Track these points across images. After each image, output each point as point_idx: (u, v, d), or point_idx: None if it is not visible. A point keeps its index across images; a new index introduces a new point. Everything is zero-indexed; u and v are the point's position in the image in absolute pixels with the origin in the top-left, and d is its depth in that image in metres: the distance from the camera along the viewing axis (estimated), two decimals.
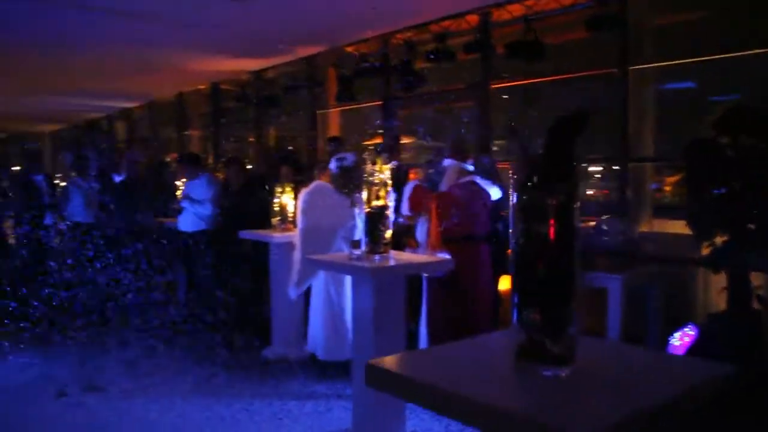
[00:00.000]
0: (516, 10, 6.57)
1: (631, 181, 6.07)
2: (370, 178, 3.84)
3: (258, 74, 10.78)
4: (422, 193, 5.04)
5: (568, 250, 1.44)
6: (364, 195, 3.87)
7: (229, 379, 5.38)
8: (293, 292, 5.39)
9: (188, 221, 6.90)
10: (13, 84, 12.25)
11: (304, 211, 5.24)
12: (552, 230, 1.43)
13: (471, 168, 5.07)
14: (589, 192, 7.33)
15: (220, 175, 7.84)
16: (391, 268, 3.66)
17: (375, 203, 3.83)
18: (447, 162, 5.05)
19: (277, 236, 5.83)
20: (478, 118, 7.44)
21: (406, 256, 3.99)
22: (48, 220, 7.33)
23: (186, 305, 6.97)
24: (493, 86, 7.36)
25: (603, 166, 7.09)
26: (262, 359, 5.85)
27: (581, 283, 1.48)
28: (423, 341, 4.96)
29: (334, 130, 10.43)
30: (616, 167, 6.26)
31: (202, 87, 12.93)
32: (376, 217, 3.82)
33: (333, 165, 5.29)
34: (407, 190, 5.19)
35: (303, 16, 7.20)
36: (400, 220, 5.10)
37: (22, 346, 6.22)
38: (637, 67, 5.99)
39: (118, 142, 16.55)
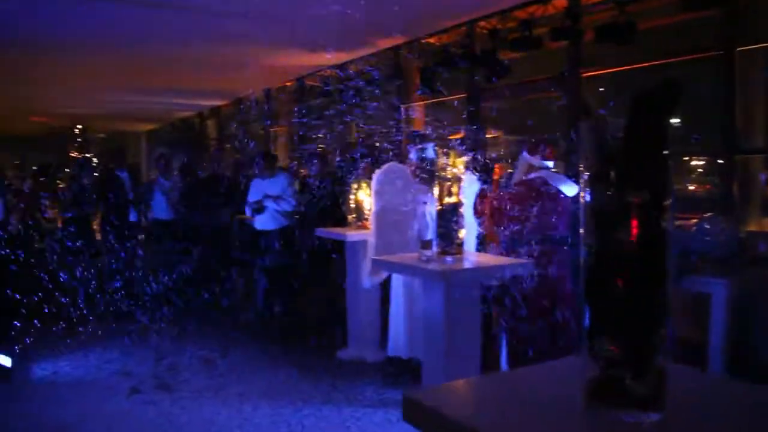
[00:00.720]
0: None
1: (738, 175, 5.49)
2: (442, 173, 3.56)
3: (342, 68, 10.65)
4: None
5: (657, 264, 1.12)
6: (436, 191, 3.60)
7: (302, 382, 5.23)
8: (367, 282, 5.19)
9: (266, 219, 6.81)
10: (109, 85, 12.68)
11: (378, 192, 5.00)
12: (635, 238, 1.11)
13: (545, 163, 4.62)
14: (690, 187, 6.75)
15: (304, 171, 7.74)
16: (465, 272, 3.37)
17: (447, 200, 3.55)
18: (523, 155, 4.66)
19: (352, 234, 5.63)
20: (567, 110, 6.99)
21: (483, 258, 3.68)
22: (132, 217, 7.44)
23: (264, 304, 6.90)
24: (584, 75, 6.88)
25: (706, 159, 6.50)
26: (337, 361, 5.69)
27: (671, 303, 1.16)
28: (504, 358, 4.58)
29: (418, 124, 10.17)
30: (721, 160, 5.69)
31: (289, 83, 12.97)
32: (448, 215, 3.54)
33: (413, 154, 5.04)
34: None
35: (381, 6, 6.96)
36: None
37: (104, 341, 6.31)
38: (745, 48, 5.40)
39: (208, 140, 16.91)
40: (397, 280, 5.00)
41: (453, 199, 3.54)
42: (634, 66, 6.36)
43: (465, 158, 3.60)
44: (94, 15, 7.39)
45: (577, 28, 6.36)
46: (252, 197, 6.85)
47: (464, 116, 8.50)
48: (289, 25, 7.80)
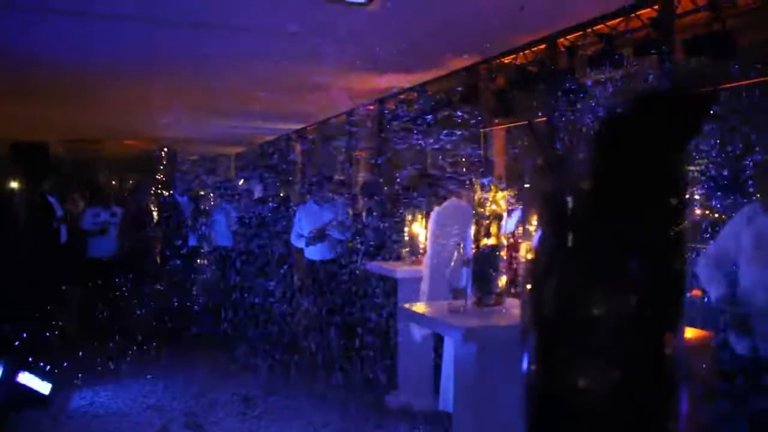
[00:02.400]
0: None
1: None
2: (480, 210, 3.03)
3: (420, 90, 10.24)
4: None
5: None
6: (472, 231, 3.07)
7: (343, 429, 4.77)
8: (417, 333, 4.67)
9: (324, 248, 6.42)
10: (197, 109, 12.89)
11: (434, 234, 4.49)
12: None
13: None
14: None
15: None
16: (504, 329, 2.80)
17: (485, 241, 3.01)
18: None
19: (403, 270, 5.14)
20: None
21: None
22: (191, 242, 7.26)
23: (312, 339, 6.50)
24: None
25: None
26: (384, 407, 5.19)
27: None
28: None
29: (498, 150, 9.60)
30: None
31: (371, 107, 12.71)
32: (485, 259, 3.00)
33: (486, 180, 4.50)
34: None
35: (448, 24, 6.52)
36: None
37: (148, 371, 6.09)
38: None
39: (293, 162, 16.91)
40: None
41: (492, 241, 2.99)
42: (735, 84, 5.58)
43: (507, 193, 3.06)
44: (180, 41, 7.52)
45: (668, 41, 5.64)
46: (303, 225, 6.47)
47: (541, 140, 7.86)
48: (365, 47, 7.59)
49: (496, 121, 9.13)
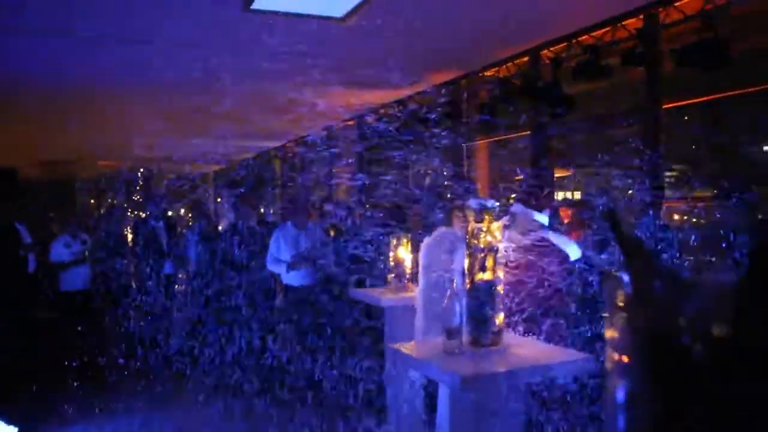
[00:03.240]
0: (688, 6, 5.20)
1: None
2: (474, 241, 2.78)
3: (400, 106, 10.04)
4: None
5: None
6: (466, 264, 2.81)
7: None
8: (413, 373, 4.39)
9: (299, 275, 6.15)
10: (174, 128, 12.62)
11: (425, 268, 4.25)
12: None
13: (542, 217, 3.73)
14: None
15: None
16: (500, 376, 2.54)
17: (480, 276, 2.76)
18: (516, 208, 3.79)
19: (389, 299, 4.86)
20: (646, 146, 6.07)
21: (527, 350, 2.85)
22: (168, 269, 6.94)
23: (292, 368, 6.20)
24: (665, 106, 5.97)
25: None
26: None
27: None
28: None
29: (482, 165, 9.41)
30: None
31: (350, 122, 12.51)
32: (481, 296, 2.75)
33: (474, 203, 4.21)
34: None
35: (431, 37, 6.32)
36: None
37: (122, 409, 5.75)
38: None
39: (272, 181, 16.63)
40: None
41: (487, 275, 2.74)
42: (728, 94, 5.42)
43: (503, 222, 2.81)
44: (156, 60, 7.32)
45: (655, 51, 5.47)
46: (281, 249, 6.18)
47: (531, 154, 7.67)
48: (344, 62, 7.41)
49: (479, 135, 8.96)
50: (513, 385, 2.60)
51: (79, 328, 6.51)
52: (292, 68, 7.78)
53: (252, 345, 6.35)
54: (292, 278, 6.23)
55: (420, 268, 4.36)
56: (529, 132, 7.65)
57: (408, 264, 4.97)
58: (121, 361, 6.34)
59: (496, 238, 2.77)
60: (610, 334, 0.68)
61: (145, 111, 10.61)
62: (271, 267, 6.33)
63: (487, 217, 2.82)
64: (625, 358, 0.65)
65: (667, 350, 0.59)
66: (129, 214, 8.36)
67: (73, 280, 6.72)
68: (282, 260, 6.20)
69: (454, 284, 2.87)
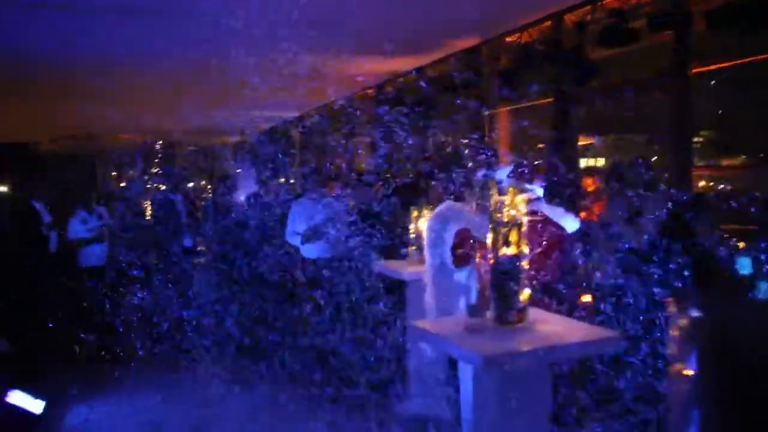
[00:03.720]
0: None
1: None
2: (497, 215, 2.68)
3: (419, 73, 9.86)
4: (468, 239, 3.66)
5: None
6: (489, 238, 2.72)
7: None
8: (427, 347, 4.33)
9: (315, 247, 6.08)
10: (192, 99, 12.56)
11: (432, 245, 4.13)
12: None
13: (534, 189, 3.56)
14: None
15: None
16: (526, 355, 2.46)
17: (504, 251, 2.67)
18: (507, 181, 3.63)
19: (410, 272, 4.79)
20: (674, 113, 5.89)
21: (554, 326, 2.76)
22: (187, 242, 6.91)
23: (314, 341, 6.17)
24: (695, 71, 5.77)
25: None
26: (395, 415, 4.87)
27: None
28: None
29: (503, 134, 9.24)
30: None
31: (369, 90, 12.36)
32: (504, 272, 2.66)
33: (479, 175, 4.10)
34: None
35: (451, 2, 6.15)
36: None
37: (146, 384, 5.77)
38: None
39: (292, 150, 16.54)
40: None
41: (511, 250, 2.65)
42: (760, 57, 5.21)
43: (529, 195, 2.70)
44: (173, 29, 7.32)
45: (684, 12, 5.25)
46: (297, 222, 6.12)
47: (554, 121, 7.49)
48: (363, 29, 7.26)
49: (501, 103, 8.77)
50: (539, 364, 2.51)
51: (101, 304, 6.52)
52: (311, 35, 7.66)
53: (268, 317, 6.34)
54: (309, 251, 6.18)
55: (426, 244, 4.25)
56: (552, 99, 7.46)
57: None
58: (141, 335, 6.37)
59: (520, 212, 2.67)
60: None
61: (163, 83, 10.54)
62: (290, 239, 6.29)
63: (511, 190, 2.71)
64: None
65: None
66: (148, 186, 8.33)
67: (91, 256, 6.73)
68: (298, 232, 6.16)
69: (479, 259, 2.77)
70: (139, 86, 10.71)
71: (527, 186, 3.50)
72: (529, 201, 3.47)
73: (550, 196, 3.85)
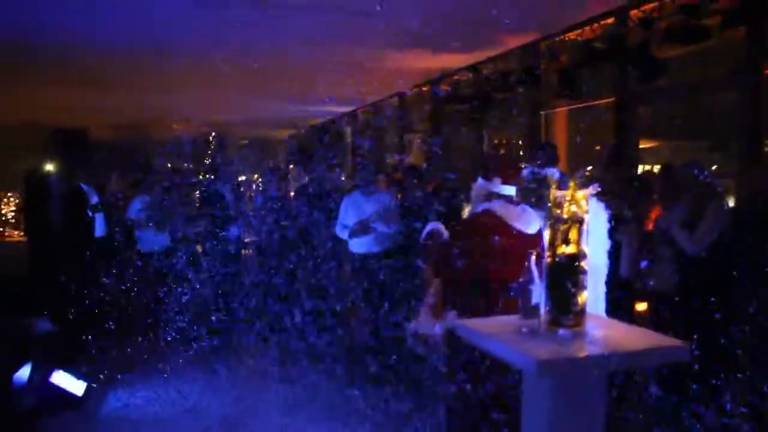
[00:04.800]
0: None
1: None
2: (556, 211, 2.51)
3: (475, 71, 9.65)
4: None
5: None
6: (547, 235, 2.55)
7: None
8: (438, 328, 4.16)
9: (369, 241, 5.99)
10: (247, 91, 12.63)
11: None
12: None
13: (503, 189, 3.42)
14: None
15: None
16: (585, 360, 2.29)
17: (562, 249, 2.49)
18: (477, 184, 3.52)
19: None
20: (744, 114, 5.59)
21: (614, 331, 2.58)
22: (233, 233, 6.89)
23: (356, 337, 6.08)
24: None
25: None
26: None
27: None
28: None
29: (560, 134, 8.98)
30: None
31: (425, 88, 12.21)
32: (562, 271, 2.49)
33: (526, 172, 3.95)
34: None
35: None
36: None
37: (188, 370, 5.76)
38: None
39: (343, 147, 16.49)
40: None
41: (571, 249, 2.47)
42: None
43: (590, 191, 2.52)
44: (230, 20, 7.26)
45: (762, 8, 4.96)
46: (348, 216, 6.05)
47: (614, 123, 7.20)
48: (417, 23, 7.12)
49: (558, 102, 8.51)
50: (595, 372, 2.34)
51: (148, 289, 6.57)
52: (364, 29, 7.56)
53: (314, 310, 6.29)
54: (357, 245, 6.11)
55: None
56: (613, 99, 7.19)
57: None
58: (188, 321, 6.39)
59: (581, 208, 2.49)
60: None
61: (218, 72, 10.57)
62: (339, 233, 6.23)
63: (571, 184, 2.54)
64: None
65: None
66: (201, 177, 8.36)
67: (151, 240, 6.79)
68: (347, 226, 6.10)
69: (533, 260, 2.60)
70: (194, 73, 10.76)
71: (503, 186, 3.42)
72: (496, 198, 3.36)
73: (609, 197, 3.66)
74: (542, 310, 2.54)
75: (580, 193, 2.50)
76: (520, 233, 3.26)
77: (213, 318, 6.34)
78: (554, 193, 2.51)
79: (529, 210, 3.35)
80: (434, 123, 11.67)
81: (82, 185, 6.28)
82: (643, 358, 2.46)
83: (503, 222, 3.29)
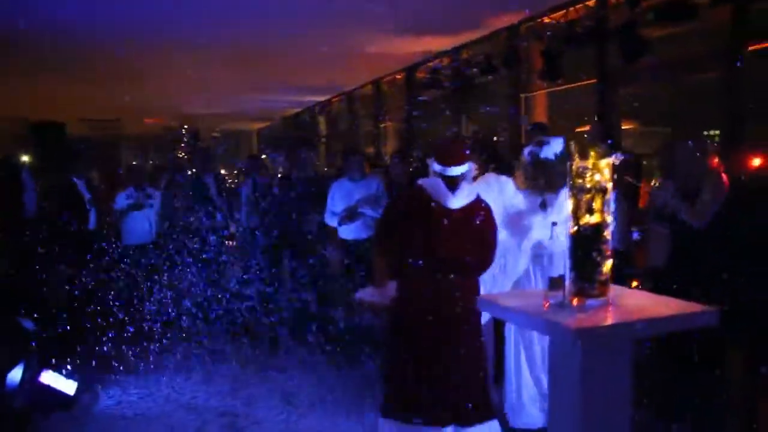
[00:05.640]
0: None
1: None
2: (579, 181, 2.48)
3: (453, 55, 9.62)
4: None
5: None
6: (570, 205, 2.52)
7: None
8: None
9: (359, 227, 5.95)
10: (219, 83, 12.44)
11: None
12: None
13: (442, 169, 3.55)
14: None
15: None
16: (614, 328, 2.27)
17: (586, 219, 2.47)
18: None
19: None
20: (726, 94, 5.65)
21: (638, 300, 2.56)
22: (220, 222, 6.75)
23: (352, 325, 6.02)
24: (751, 48, 5.52)
25: None
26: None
27: None
28: None
29: (540, 117, 8.98)
30: None
31: (398, 76, 12.14)
32: (587, 241, 2.46)
33: (526, 152, 4.00)
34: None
35: None
36: None
37: (181, 365, 5.63)
38: None
39: (318, 137, 16.37)
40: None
41: (595, 218, 2.45)
42: None
43: (613, 159, 2.49)
44: (201, 6, 7.19)
45: None
46: (336, 203, 6.01)
47: (596, 105, 7.22)
48: (398, 5, 7.06)
49: (539, 85, 8.51)
50: (626, 339, 2.32)
51: (136, 282, 6.42)
52: (341, 13, 7.45)
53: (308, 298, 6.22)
54: (346, 232, 6.08)
55: None
56: (594, 81, 7.21)
57: None
58: (174, 314, 6.27)
59: (605, 177, 2.47)
60: None
61: (189, 63, 10.38)
62: (328, 221, 6.18)
63: (593, 153, 2.51)
64: None
65: None
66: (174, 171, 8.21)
67: (134, 232, 6.65)
68: (336, 213, 6.06)
69: (556, 233, 2.57)
70: (166, 66, 10.57)
71: (446, 168, 3.55)
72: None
73: None
74: (566, 280, 2.51)
75: (603, 162, 2.47)
76: (440, 206, 3.46)
77: (205, 308, 6.23)
78: (576, 162, 2.48)
79: (466, 187, 3.52)
80: (411, 110, 11.61)
81: (74, 179, 6.14)
82: (672, 324, 2.44)
83: (426, 196, 3.49)
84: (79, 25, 7.83)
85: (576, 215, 2.48)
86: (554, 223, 2.64)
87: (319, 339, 5.92)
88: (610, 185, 2.48)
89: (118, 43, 8.69)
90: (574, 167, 2.49)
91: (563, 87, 8.24)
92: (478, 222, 3.49)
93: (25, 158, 6.32)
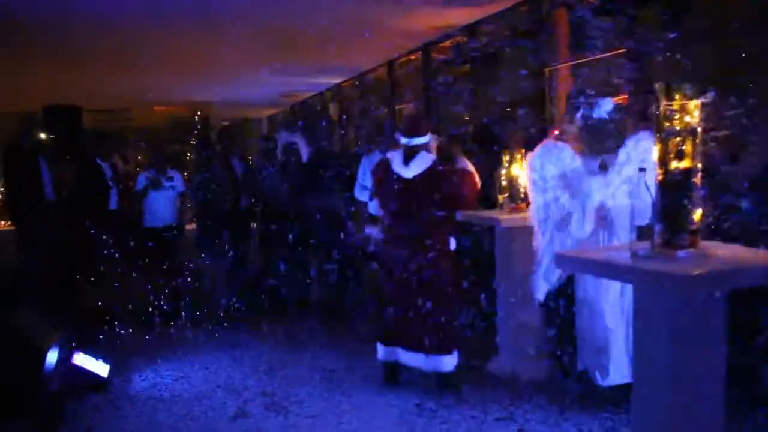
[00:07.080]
0: None
1: None
2: (666, 124, 2.31)
3: (472, 30, 9.38)
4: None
5: None
6: (655, 152, 2.34)
7: (451, 405, 4.14)
8: (539, 293, 4.01)
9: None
10: (228, 69, 12.24)
11: (535, 183, 3.89)
12: None
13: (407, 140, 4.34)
14: None
15: None
16: (709, 276, 2.10)
17: (675, 165, 2.30)
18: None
19: (504, 219, 4.45)
20: None
21: (727, 253, 2.38)
22: (244, 202, 6.65)
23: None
24: None
25: None
26: (488, 374, 4.58)
27: None
28: None
29: (564, 91, 8.75)
30: None
31: (413, 57, 11.90)
32: (677, 188, 2.29)
33: (579, 115, 3.89)
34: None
35: None
36: None
37: (213, 347, 5.51)
38: None
39: (330, 121, 16.17)
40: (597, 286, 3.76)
41: (685, 164, 2.27)
42: None
43: (703, 99, 2.32)
44: None
45: None
46: (368, 177, 5.84)
47: (624, 77, 6.99)
48: None
49: (564, 58, 8.28)
50: (719, 286, 2.14)
51: (163, 265, 6.31)
52: None
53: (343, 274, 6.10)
54: (376, 207, 5.91)
55: (530, 185, 3.98)
56: (627, 50, 6.98)
57: (521, 182, 4.51)
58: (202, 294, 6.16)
59: (694, 118, 2.29)
60: None
61: (200, 47, 10.16)
62: (358, 195, 6.04)
63: (677, 96, 2.33)
64: None
65: None
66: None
67: (156, 215, 6.56)
68: (367, 187, 5.92)
69: (646, 184, 2.39)
70: (174, 51, 10.35)
71: (411, 139, 4.31)
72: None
73: None
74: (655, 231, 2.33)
75: (692, 103, 2.30)
76: (399, 175, 4.25)
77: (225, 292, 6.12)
78: (664, 105, 2.31)
79: (420, 157, 4.24)
80: (430, 88, 11.39)
81: (98, 160, 6.06)
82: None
83: (387, 164, 4.36)
84: (86, 8, 7.62)
85: (663, 161, 2.31)
86: (642, 169, 2.45)
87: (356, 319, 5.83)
88: (700, 128, 2.31)
89: (124, 32, 8.49)
90: (661, 110, 2.31)
91: (586, 60, 8.01)
92: (439, 184, 4.16)
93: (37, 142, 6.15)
